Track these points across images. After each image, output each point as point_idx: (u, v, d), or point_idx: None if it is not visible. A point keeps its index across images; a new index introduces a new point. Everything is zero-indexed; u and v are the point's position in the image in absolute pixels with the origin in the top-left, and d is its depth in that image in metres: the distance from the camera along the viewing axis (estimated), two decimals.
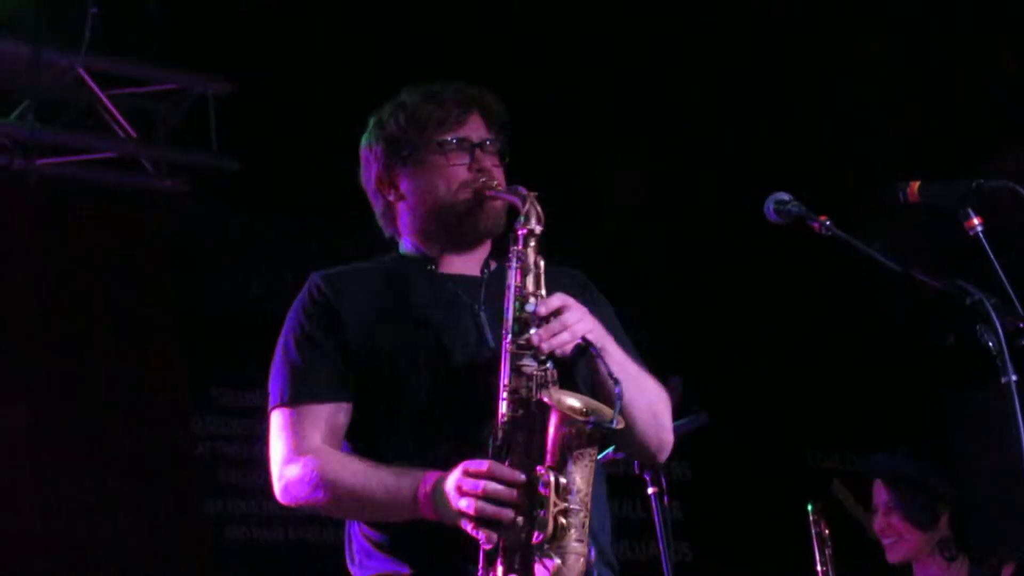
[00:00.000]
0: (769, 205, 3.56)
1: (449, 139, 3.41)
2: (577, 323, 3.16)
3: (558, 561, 2.96)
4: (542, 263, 3.24)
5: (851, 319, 9.11)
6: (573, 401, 3.08)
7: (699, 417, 5.07)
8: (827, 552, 5.36)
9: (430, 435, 3.22)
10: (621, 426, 2.98)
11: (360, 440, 3.32)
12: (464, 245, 3.45)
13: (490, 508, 2.99)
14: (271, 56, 7.15)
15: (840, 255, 3.56)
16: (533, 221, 3.26)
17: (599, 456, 3.22)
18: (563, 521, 2.97)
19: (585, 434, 3.00)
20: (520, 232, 3.25)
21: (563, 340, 3.14)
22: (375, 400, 3.29)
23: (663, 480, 4.91)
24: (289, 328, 3.38)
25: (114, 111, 7.13)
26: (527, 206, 3.26)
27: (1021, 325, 3.22)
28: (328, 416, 3.29)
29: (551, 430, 3.02)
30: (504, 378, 3.13)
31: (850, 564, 5.47)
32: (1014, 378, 3.17)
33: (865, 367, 9.08)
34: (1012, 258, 3.48)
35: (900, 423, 7.89)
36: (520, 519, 3.00)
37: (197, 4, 7.08)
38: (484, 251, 3.47)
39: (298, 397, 3.30)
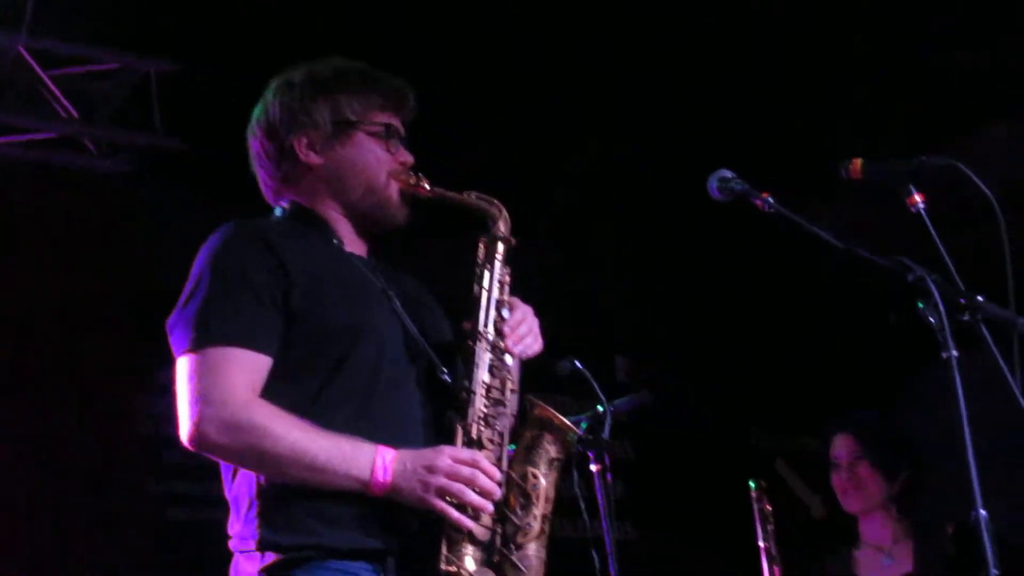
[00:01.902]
0: (712, 183, 3.57)
1: (388, 124, 3.44)
2: (538, 329, 3.35)
3: (521, 569, 3.04)
4: (508, 273, 3.34)
5: (796, 300, 9.14)
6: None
7: (642, 395, 5.07)
8: (769, 528, 5.39)
9: (367, 415, 3.17)
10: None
11: (284, 407, 3.15)
12: (372, 230, 3.46)
13: (475, 497, 3.03)
14: (215, 36, 7.09)
15: (787, 238, 3.56)
16: (505, 229, 3.36)
17: None
18: (541, 526, 3.06)
19: (569, 444, 3.11)
20: (495, 238, 3.35)
21: (528, 344, 3.31)
22: (311, 368, 3.19)
23: (606, 458, 4.89)
24: (216, 265, 3.22)
25: (56, 91, 7.06)
26: (502, 217, 3.36)
27: (962, 301, 3.23)
28: (256, 367, 3.14)
29: (531, 435, 3.12)
30: (481, 375, 3.18)
31: (791, 540, 5.48)
32: (955, 354, 3.19)
33: (810, 347, 9.10)
34: (956, 235, 3.49)
35: (843, 402, 7.90)
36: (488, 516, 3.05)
37: None
38: (374, 239, 3.50)
39: (232, 339, 3.14)
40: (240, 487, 3.23)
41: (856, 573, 5.59)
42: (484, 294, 3.28)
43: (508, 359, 3.24)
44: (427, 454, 3.05)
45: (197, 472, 7.35)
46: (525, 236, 3.45)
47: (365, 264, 3.40)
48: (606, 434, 3.31)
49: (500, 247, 3.35)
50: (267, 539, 3.15)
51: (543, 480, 3.08)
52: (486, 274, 3.31)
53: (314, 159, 3.42)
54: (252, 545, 3.16)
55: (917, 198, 3.41)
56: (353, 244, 3.44)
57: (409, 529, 3.08)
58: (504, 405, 3.19)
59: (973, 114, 7.77)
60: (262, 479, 3.17)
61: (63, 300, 7.26)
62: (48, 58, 7.03)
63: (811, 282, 8.96)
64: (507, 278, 3.34)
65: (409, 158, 3.46)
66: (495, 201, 3.39)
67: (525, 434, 3.16)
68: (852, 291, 8.35)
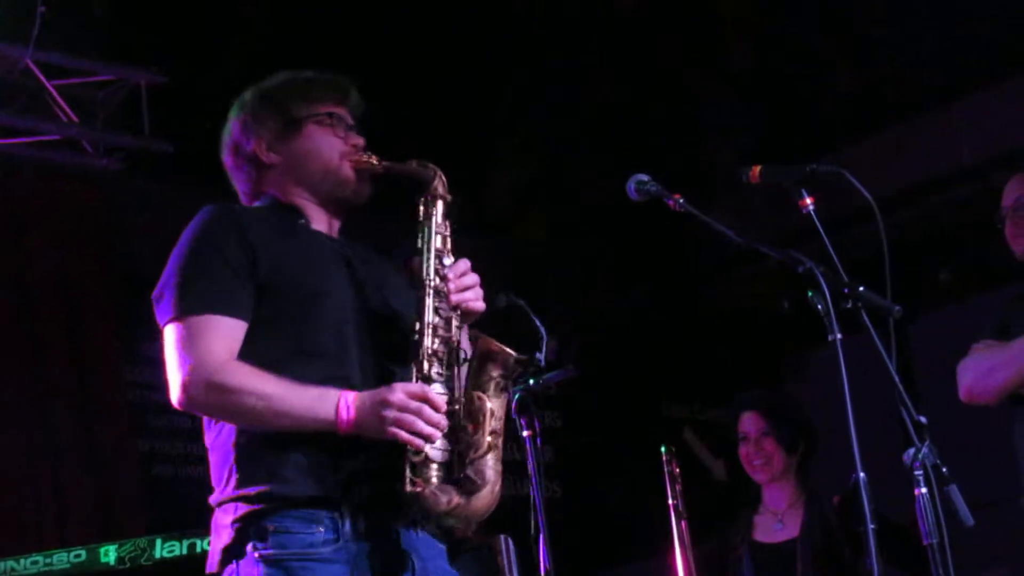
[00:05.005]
0: (631, 185, 3.58)
1: (332, 113, 3.38)
2: (478, 285, 3.24)
3: (479, 480, 2.99)
4: (448, 226, 3.26)
5: (703, 287, 9.17)
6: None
7: (568, 370, 5.05)
8: (677, 488, 5.37)
9: (335, 366, 3.12)
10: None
11: (258, 365, 3.11)
12: (338, 208, 3.38)
13: (423, 426, 2.98)
14: (197, 52, 7.14)
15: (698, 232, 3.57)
16: (442, 189, 3.28)
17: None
18: (490, 441, 2.99)
19: (511, 367, 3.06)
20: (433, 197, 3.26)
21: (469, 297, 3.20)
22: (280, 330, 3.16)
23: (537, 424, 4.88)
24: (195, 244, 3.19)
25: (58, 98, 7.08)
26: (437, 177, 3.28)
27: (845, 291, 3.25)
28: (232, 332, 3.11)
29: (476, 363, 3.08)
30: (428, 316, 3.12)
31: (696, 498, 5.48)
32: (839, 336, 3.20)
33: (715, 330, 9.13)
34: (842, 234, 3.50)
35: (743, 380, 7.94)
36: (444, 439, 3.02)
37: (136, 4, 7.07)
38: (342, 218, 3.44)
39: (209, 308, 3.10)
40: (219, 444, 3.17)
41: (753, 536, 5.58)
42: (424, 246, 3.22)
43: (447, 304, 3.19)
44: (383, 391, 3.00)
45: (178, 434, 7.47)
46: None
47: (330, 239, 3.36)
48: (542, 360, 3.24)
49: (438, 204, 3.27)
50: (239, 492, 3.10)
51: (489, 401, 3.04)
52: (425, 229, 3.24)
53: (273, 158, 3.38)
54: (228, 496, 3.11)
55: (808, 201, 3.42)
56: (321, 224, 3.38)
57: (364, 478, 3.05)
58: (450, 340, 3.15)
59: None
60: (238, 437, 3.12)
61: (61, 282, 7.23)
62: (52, 69, 7.05)
63: (717, 277, 9.01)
64: (447, 231, 3.27)
65: (359, 140, 3.38)
66: (430, 164, 3.32)
67: (472, 363, 3.11)
68: (751, 282, 8.42)
